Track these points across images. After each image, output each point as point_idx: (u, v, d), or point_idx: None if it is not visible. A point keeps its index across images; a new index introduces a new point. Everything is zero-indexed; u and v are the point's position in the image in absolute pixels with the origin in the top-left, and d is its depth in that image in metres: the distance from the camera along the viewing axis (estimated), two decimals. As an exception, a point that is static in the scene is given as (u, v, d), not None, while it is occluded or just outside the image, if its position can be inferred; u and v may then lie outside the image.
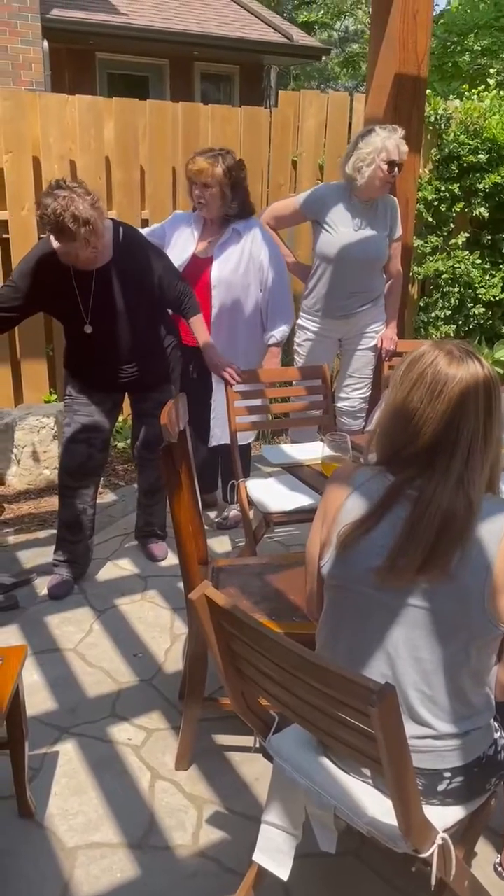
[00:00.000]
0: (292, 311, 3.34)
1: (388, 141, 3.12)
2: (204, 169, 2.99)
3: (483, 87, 5.33)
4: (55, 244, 2.57)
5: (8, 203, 3.84)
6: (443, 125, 4.81)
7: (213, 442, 3.32)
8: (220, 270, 3.10)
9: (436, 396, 1.34)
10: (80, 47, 9.86)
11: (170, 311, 2.95)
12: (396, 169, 3.16)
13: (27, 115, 3.78)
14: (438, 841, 1.32)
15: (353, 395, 3.61)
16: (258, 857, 1.56)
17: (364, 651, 1.39)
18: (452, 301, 4.95)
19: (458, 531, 1.31)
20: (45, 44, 8.38)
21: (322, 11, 16.67)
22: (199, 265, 3.13)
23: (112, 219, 2.75)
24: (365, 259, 3.30)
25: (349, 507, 1.42)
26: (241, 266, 3.11)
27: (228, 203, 3.07)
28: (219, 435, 3.28)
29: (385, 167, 3.12)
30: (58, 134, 3.86)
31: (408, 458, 1.38)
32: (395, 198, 3.36)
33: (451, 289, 4.93)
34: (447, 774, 1.39)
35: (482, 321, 5.09)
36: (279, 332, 3.24)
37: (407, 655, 1.36)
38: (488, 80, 5.58)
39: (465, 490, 1.33)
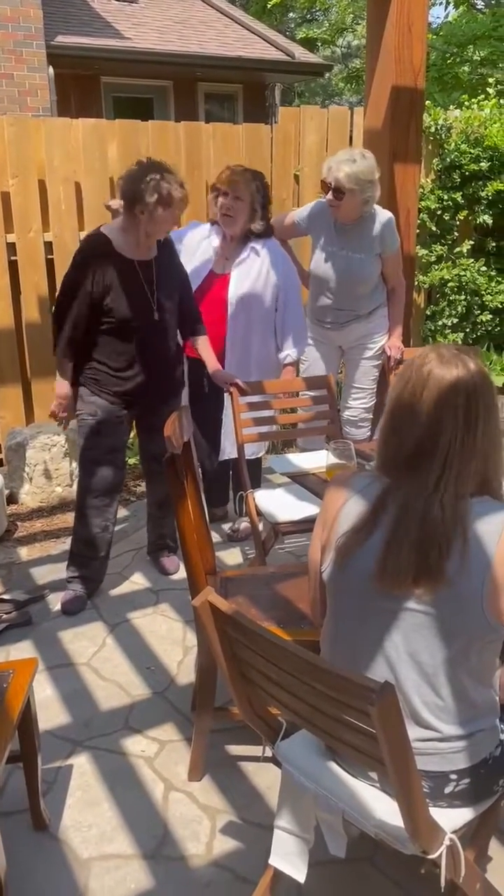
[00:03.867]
0: (306, 331, 3.36)
1: (329, 161, 3.11)
2: (238, 181, 3.02)
3: (483, 96, 5.37)
4: (148, 226, 2.69)
5: (15, 226, 3.90)
6: (443, 135, 4.84)
7: (224, 456, 3.35)
8: (238, 288, 3.13)
9: (417, 399, 1.34)
10: (85, 72, 10.01)
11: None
12: (331, 193, 3.10)
13: (32, 140, 3.85)
14: (446, 842, 1.32)
15: (354, 404, 3.63)
16: (274, 860, 1.56)
17: (365, 655, 1.40)
18: (459, 309, 4.96)
19: (441, 536, 1.31)
20: (51, 70, 8.52)
21: (323, 28, 16.83)
22: (216, 282, 3.17)
23: None
24: (342, 280, 3.31)
25: (347, 511, 1.43)
26: (257, 285, 3.14)
27: (257, 220, 3.09)
28: (229, 450, 3.29)
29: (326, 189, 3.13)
30: (62, 157, 3.93)
31: (398, 462, 1.39)
32: (390, 213, 3.31)
33: (457, 297, 4.94)
34: (453, 776, 1.39)
35: (490, 328, 5.09)
36: (294, 352, 3.26)
37: (407, 659, 1.36)
38: (488, 89, 5.63)
39: (440, 495, 1.33)
